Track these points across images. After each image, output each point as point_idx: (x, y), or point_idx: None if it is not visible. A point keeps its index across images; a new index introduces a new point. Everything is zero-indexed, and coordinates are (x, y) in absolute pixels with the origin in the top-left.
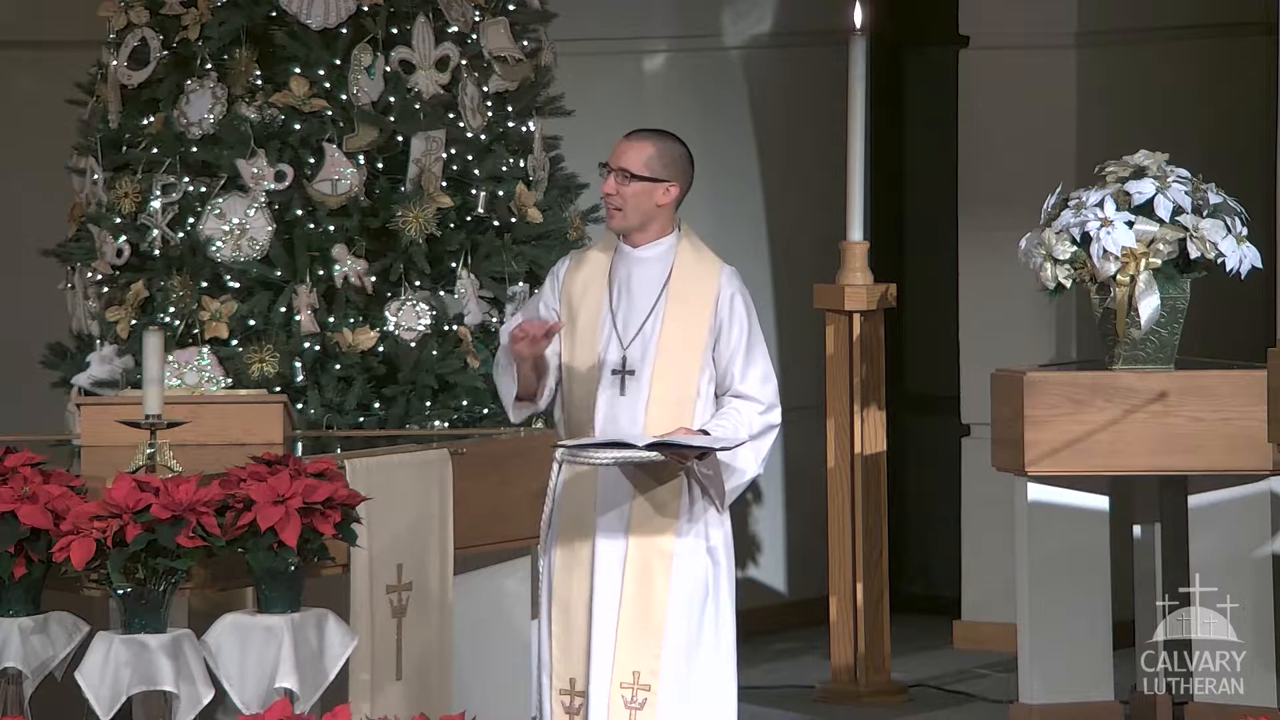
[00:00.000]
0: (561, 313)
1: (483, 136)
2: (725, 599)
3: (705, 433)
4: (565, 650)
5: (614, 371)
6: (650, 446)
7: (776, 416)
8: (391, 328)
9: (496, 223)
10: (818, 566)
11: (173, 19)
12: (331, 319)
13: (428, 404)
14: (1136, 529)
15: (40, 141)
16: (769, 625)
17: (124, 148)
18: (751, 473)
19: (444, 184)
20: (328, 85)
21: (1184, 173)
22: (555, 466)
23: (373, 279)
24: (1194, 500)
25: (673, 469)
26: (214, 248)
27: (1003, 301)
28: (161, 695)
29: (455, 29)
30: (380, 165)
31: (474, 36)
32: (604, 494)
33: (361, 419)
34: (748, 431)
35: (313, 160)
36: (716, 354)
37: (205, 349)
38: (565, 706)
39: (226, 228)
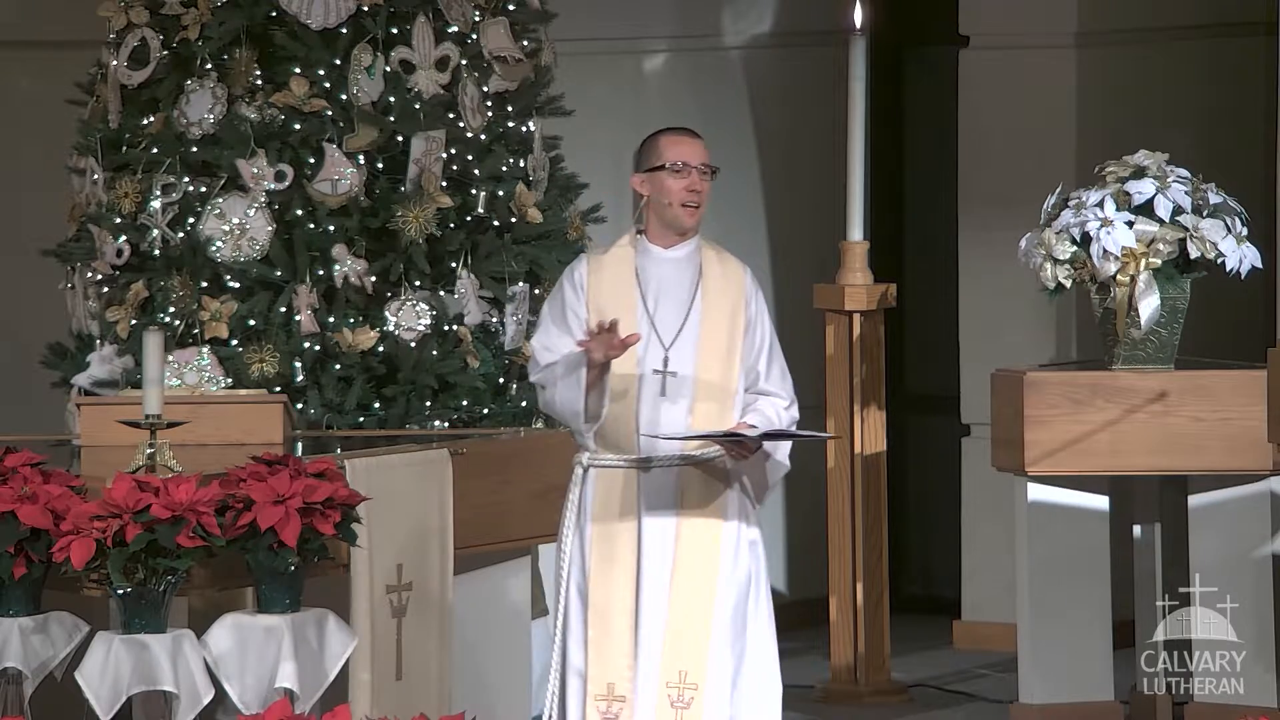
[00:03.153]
0: (590, 318)
1: (483, 136)
2: (765, 593)
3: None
4: (602, 654)
5: (655, 372)
6: (763, 436)
7: (796, 411)
8: (391, 328)
9: (496, 223)
10: (818, 566)
11: (173, 19)
12: (331, 319)
13: (428, 404)
14: (1136, 529)
15: (40, 141)
16: None
17: (124, 148)
18: (787, 467)
19: (444, 184)
20: (328, 85)
21: (1184, 173)
22: (580, 470)
23: (373, 279)
24: (1194, 500)
25: (720, 467)
26: (214, 248)
27: (1003, 301)
28: (161, 695)
29: (455, 29)
30: (380, 165)
31: (474, 36)
32: (649, 496)
33: (361, 419)
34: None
35: (313, 160)
36: (744, 352)
37: (205, 349)
38: (602, 712)
39: (226, 228)
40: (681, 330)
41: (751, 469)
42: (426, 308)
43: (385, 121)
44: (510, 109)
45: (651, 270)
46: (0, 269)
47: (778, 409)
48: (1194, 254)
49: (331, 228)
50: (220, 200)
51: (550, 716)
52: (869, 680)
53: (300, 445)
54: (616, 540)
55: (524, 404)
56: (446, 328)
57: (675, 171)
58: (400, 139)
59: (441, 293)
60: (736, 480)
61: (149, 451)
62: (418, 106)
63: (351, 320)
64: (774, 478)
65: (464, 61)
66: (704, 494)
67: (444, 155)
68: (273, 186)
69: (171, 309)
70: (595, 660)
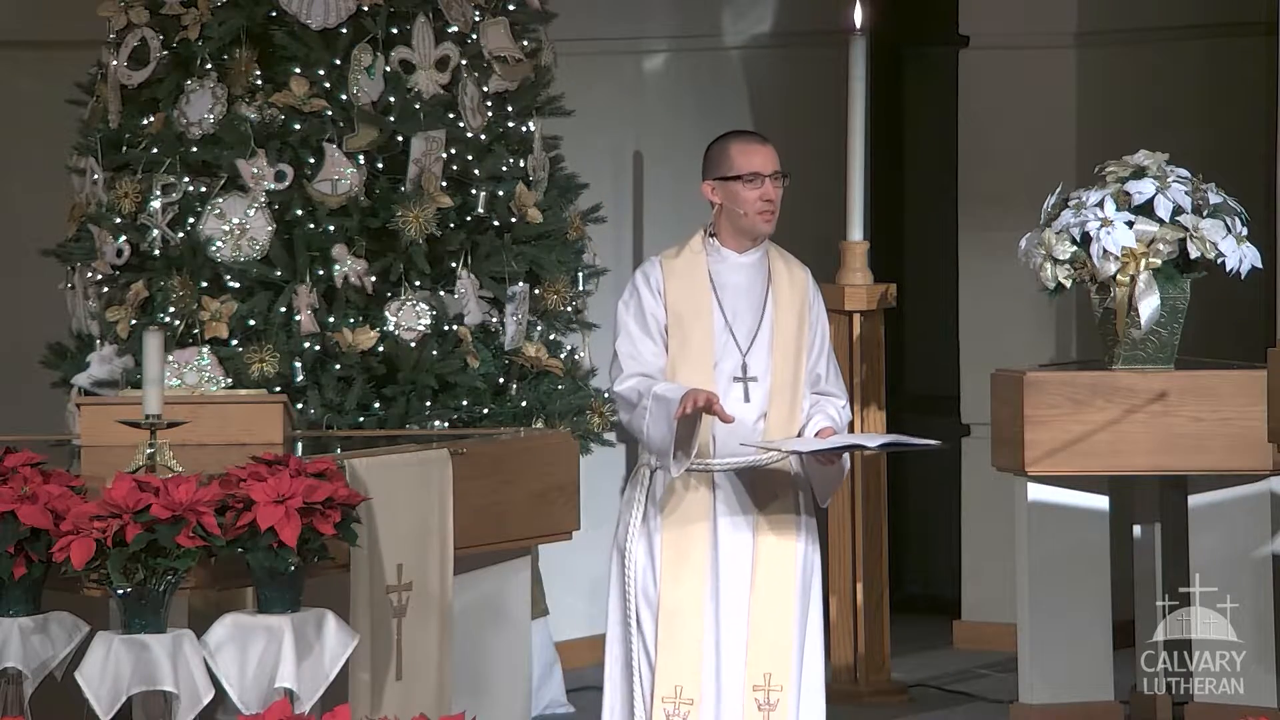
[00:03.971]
0: (669, 322)
1: (483, 136)
2: (819, 588)
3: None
4: (670, 655)
5: (735, 379)
6: (880, 447)
7: (850, 410)
8: (391, 328)
9: (496, 223)
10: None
11: (173, 19)
12: (331, 319)
13: (428, 404)
14: (1136, 529)
15: (40, 141)
16: None
17: (124, 148)
18: (848, 466)
19: (444, 184)
20: (328, 85)
21: (1184, 173)
22: (647, 472)
23: (373, 279)
24: (1194, 500)
25: (788, 468)
26: (214, 248)
27: (1003, 301)
28: (161, 695)
29: (455, 29)
30: (380, 165)
31: (474, 36)
32: (724, 498)
33: (361, 419)
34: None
35: (313, 160)
36: (805, 353)
37: (205, 349)
38: (669, 714)
39: (226, 228)
40: (756, 335)
41: (829, 473)
42: (426, 308)
43: (385, 121)
44: (510, 109)
45: (725, 275)
46: (0, 269)
47: (838, 407)
48: (1194, 254)
49: (331, 228)
50: (220, 200)
51: (613, 713)
52: (869, 680)
53: (300, 445)
54: (690, 542)
55: (524, 404)
56: (446, 328)
57: (748, 182)
58: (400, 139)
59: (441, 293)
60: (805, 480)
61: (149, 451)
62: (418, 106)
63: (351, 320)
64: (841, 478)
65: (464, 61)
66: (777, 495)
67: (444, 155)
68: (273, 186)
69: (171, 309)
70: (663, 661)
